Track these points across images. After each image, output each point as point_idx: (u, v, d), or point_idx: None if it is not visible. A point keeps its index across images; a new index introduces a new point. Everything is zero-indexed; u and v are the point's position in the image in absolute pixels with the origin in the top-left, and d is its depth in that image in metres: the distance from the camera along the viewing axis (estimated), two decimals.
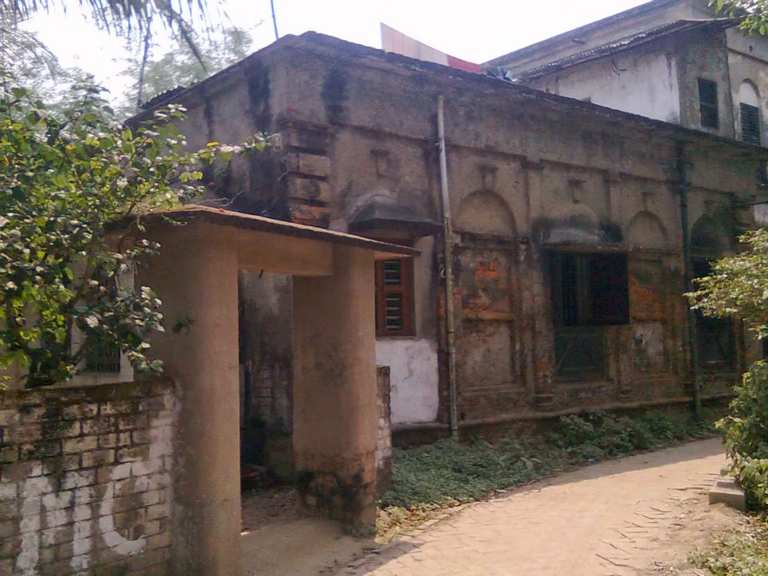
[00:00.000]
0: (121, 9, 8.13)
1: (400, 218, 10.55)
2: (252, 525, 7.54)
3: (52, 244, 4.80)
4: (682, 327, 15.32)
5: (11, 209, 4.70)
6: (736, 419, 8.11)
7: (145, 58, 17.27)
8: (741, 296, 9.30)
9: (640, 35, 17.38)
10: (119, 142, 5.13)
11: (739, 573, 5.54)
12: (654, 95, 17.44)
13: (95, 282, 5.05)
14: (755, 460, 7.35)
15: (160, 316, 5.12)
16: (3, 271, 4.44)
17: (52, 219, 4.85)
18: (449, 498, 8.71)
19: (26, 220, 4.70)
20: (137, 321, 4.98)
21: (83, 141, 4.97)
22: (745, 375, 8.55)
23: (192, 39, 9.86)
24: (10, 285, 4.46)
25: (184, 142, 5.37)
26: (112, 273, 5.19)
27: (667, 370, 15.17)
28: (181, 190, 5.45)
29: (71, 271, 5.11)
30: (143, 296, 5.10)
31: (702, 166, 16.31)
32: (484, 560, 6.55)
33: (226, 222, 5.62)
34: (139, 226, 5.06)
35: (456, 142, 11.76)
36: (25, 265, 4.52)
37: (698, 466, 10.52)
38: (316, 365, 7.64)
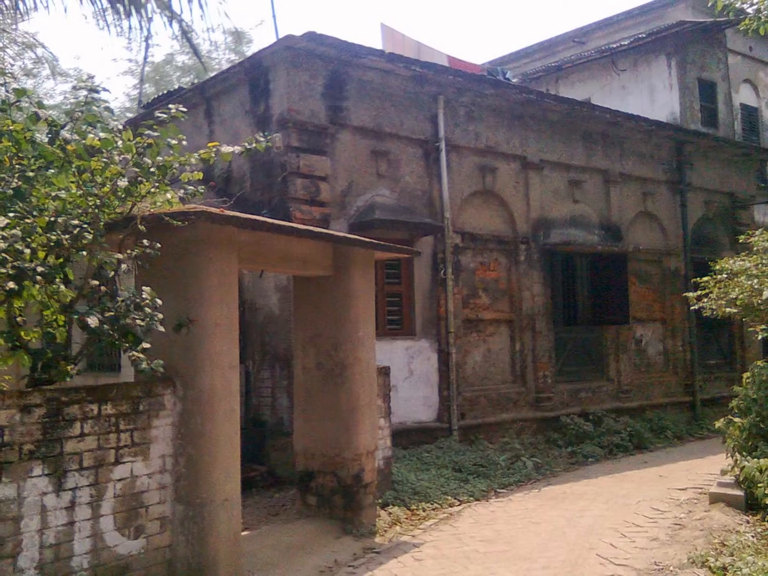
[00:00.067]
0: (121, 9, 8.15)
1: (400, 218, 10.55)
2: (252, 525, 7.55)
3: (52, 244, 4.80)
4: (682, 327, 15.32)
5: (12, 209, 4.70)
6: (736, 419, 8.12)
7: (145, 58, 17.30)
8: (741, 296, 9.31)
9: (640, 35, 17.39)
10: (120, 143, 5.14)
11: (738, 573, 5.54)
12: (654, 95, 17.45)
13: (96, 282, 5.05)
14: (755, 460, 7.36)
15: (160, 316, 5.13)
16: (4, 271, 4.44)
17: (52, 219, 4.85)
18: (449, 498, 8.71)
19: (27, 221, 4.69)
20: (138, 321, 4.98)
21: (84, 141, 4.98)
22: (745, 375, 8.56)
23: (192, 39, 9.87)
24: (11, 285, 4.46)
25: (184, 143, 5.38)
26: (112, 273, 5.19)
27: (667, 370, 15.18)
28: (182, 191, 5.46)
29: (72, 271, 5.11)
30: (144, 296, 5.10)
31: (702, 167, 16.32)
32: (484, 560, 6.55)
33: (226, 222, 5.63)
34: (139, 226, 5.06)
35: (456, 143, 11.77)
36: (26, 265, 4.51)
37: (698, 466, 10.53)
38: (317, 365, 7.64)
